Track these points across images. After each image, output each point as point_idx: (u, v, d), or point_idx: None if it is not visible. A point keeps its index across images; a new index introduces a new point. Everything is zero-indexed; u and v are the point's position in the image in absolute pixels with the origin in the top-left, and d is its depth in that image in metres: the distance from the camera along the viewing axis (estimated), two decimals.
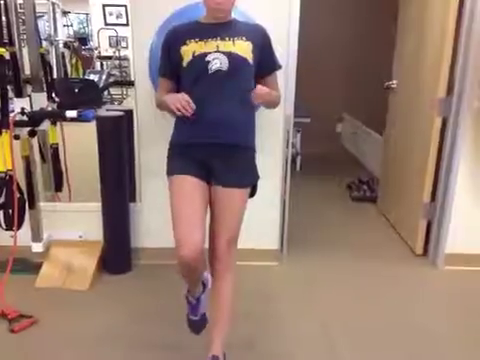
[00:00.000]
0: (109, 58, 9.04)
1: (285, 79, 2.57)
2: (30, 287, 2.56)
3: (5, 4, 2.37)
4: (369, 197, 4.00)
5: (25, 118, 2.29)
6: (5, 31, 2.36)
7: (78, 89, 6.78)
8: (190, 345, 2.07)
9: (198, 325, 1.95)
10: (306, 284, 2.70)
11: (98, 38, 9.21)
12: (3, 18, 2.35)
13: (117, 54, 9.08)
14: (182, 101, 1.66)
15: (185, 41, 1.75)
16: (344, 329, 2.27)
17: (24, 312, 2.27)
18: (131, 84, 3.41)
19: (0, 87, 2.32)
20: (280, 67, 1.93)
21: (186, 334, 2.04)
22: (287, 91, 2.61)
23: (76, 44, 8.68)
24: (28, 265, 2.71)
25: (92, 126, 3.23)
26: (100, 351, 2.08)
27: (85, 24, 11.62)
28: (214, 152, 1.77)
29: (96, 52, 9.17)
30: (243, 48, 1.75)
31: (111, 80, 8.76)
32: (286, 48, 2.57)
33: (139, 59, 2.52)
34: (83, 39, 9.96)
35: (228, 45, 1.73)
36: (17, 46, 2.43)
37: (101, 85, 7.88)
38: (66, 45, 7.82)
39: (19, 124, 2.30)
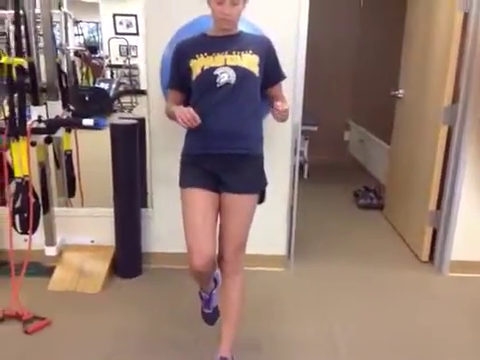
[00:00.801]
0: (119, 67, 9.18)
1: (293, 88, 2.63)
2: (43, 290, 2.63)
3: (24, 15, 2.47)
4: (376, 204, 4.03)
5: (42, 125, 2.36)
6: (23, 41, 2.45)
7: (89, 97, 6.89)
8: (201, 344, 2.15)
9: (212, 317, 2.06)
10: (313, 290, 2.74)
11: (109, 47, 9.36)
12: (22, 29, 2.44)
13: (127, 63, 9.23)
14: (188, 114, 1.72)
15: (194, 55, 1.81)
16: (350, 334, 2.31)
17: (37, 314, 2.33)
18: (143, 93, 3.49)
19: (19, 95, 2.40)
20: (285, 77, 2.00)
21: (197, 334, 2.17)
22: (295, 100, 2.67)
23: (87, 53, 8.83)
24: (41, 269, 2.78)
25: (101, 133, 3.30)
26: (113, 351, 2.14)
27: (95, 33, 11.80)
28: (224, 162, 1.83)
29: (106, 61, 9.33)
30: (250, 61, 1.81)
31: (121, 89, 8.90)
32: (294, 57, 2.63)
33: (152, 68, 2.58)
34: (93, 48, 10.12)
35: (235, 59, 1.79)
36: (35, 56, 2.51)
37: (111, 93, 8.03)
38: (77, 54, 7.96)
39: (37, 131, 2.37)
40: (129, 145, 2.64)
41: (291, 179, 2.85)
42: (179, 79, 1.89)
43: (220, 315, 2.03)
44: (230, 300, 1.94)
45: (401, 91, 3.55)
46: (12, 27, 2.61)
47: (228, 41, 1.83)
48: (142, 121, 2.85)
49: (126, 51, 9.79)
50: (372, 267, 3.02)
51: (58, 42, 5.79)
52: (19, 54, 2.41)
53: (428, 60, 3.10)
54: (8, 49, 2.46)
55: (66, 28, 6.52)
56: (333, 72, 5.46)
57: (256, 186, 1.91)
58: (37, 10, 2.62)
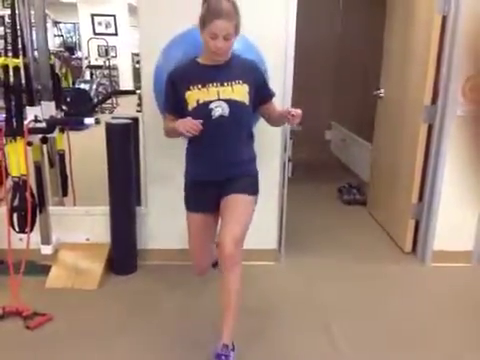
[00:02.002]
0: (99, 67, 9.16)
1: (283, 90, 2.75)
2: (41, 288, 2.66)
3: (19, 17, 2.50)
4: (359, 200, 4.18)
5: (43, 125, 2.40)
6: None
7: (70, 98, 6.87)
8: (199, 336, 2.23)
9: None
10: (304, 282, 2.85)
11: (88, 47, 9.32)
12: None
13: (106, 64, 9.21)
14: (188, 123, 1.87)
15: (188, 86, 1.94)
16: (344, 322, 2.42)
17: (37, 311, 2.37)
18: (132, 93, 3.55)
19: (15, 96, 2.44)
20: (274, 96, 2.15)
21: (194, 326, 2.26)
22: (284, 101, 2.76)
23: (66, 54, 8.79)
24: (37, 267, 2.80)
25: (90, 134, 3.34)
26: (114, 343, 2.21)
27: (72, 33, 11.69)
28: (224, 183, 2.03)
29: (86, 62, 9.28)
30: (241, 93, 1.96)
31: (101, 89, 8.85)
32: (283, 61, 2.74)
33: (146, 69, 2.64)
34: (71, 48, 10.05)
35: (228, 91, 1.94)
36: (31, 56, 2.55)
37: (92, 94, 7.98)
38: (56, 55, 7.91)
39: (36, 131, 2.41)
40: (124, 144, 2.70)
41: (281, 176, 2.96)
42: (174, 105, 2.02)
43: None
44: (229, 290, 2.01)
45: (382, 91, 3.70)
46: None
47: (220, 71, 1.96)
48: (135, 121, 2.92)
49: (105, 52, 9.76)
50: (358, 259, 3.15)
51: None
52: (15, 55, 2.44)
53: (408, 61, 3.25)
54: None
55: (46, 28, 6.48)
56: (315, 73, 5.58)
57: (253, 189, 2.09)
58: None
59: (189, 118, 1.88)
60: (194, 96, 1.93)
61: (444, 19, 2.83)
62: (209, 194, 2.08)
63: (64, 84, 8.20)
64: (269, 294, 2.69)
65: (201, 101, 1.92)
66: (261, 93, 2.06)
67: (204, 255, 2.26)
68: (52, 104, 2.70)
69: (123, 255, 2.87)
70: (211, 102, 1.92)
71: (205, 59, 1.97)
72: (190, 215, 2.16)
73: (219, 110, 1.92)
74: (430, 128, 3.01)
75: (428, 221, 3.06)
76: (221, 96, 1.93)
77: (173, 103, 2.02)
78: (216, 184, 2.04)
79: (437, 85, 2.92)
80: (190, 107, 1.94)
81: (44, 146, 2.73)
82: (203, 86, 1.93)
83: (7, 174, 2.53)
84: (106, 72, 9.46)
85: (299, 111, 1.92)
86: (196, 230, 2.18)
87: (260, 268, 2.93)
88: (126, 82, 9.25)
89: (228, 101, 1.93)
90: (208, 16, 1.84)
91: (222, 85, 1.94)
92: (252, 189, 2.09)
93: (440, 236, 3.03)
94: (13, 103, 2.46)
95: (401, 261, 3.14)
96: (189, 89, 1.94)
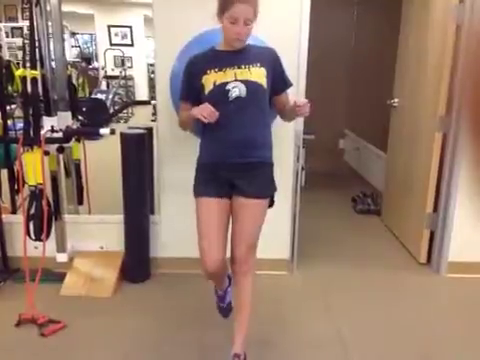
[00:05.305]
0: (115, 78, 9.29)
1: (296, 96, 2.75)
2: (55, 295, 2.69)
3: (37, 28, 2.56)
4: (373, 210, 4.15)
5: (60, 135, 2.44)
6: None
7: (86, 108, 6.98)
8: (211, 344, 2.23)
9: (226, 310, 2.23)
10: (317, 292, 2.84)
11: (104, 58, 9.47)
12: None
13: (123, 74, 9.34)
14: (206, 110, 1.83)
15: (205, 70, 1.92)
16: (357, 333, 2.41)
17: (52, 318, 2.39)
18: (147, 103, 3.59)
19: (33, 106, 2.49)
20: (291, 85, 2.11)
21: (206, 334, 2.25)
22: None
23: (83, 64, 8.93)
24: (52, 275, 2.84)
25: (105, 143, 3.39)
26: (128, 352, 2.22)
27: (89, 44, 11.90)
28: (237, 169, 1.95)
29: (102, 72, 9.43)
30: (258, 74, 1.93)
31: (117, 99, 8.97)
32: (296, 68, 2.75)
33: (161, 79, 2.67)
34: (87, 59, 10.22)
35: (245, 73, 1.91)
36: (48, 67, 2.61)
37: (108, 103, 8.11)
38: (73, 65, 8.06)
39: (52, 141, 2.46)
40: (139, 154, 2.73)
41: (293, 185, 2.96)
42: (191, 92, 2.00)
43: (233, 308, 2.18)
44: (241, 300, 2.03)
45: (396, 100, 3.69)
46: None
47: (237, 55, 1.94)
48: (150, 131, 2.95)
49: (121, 62, 9.91)
50: (372, 269, 3.12)
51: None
52: (34, 67, 2.50)
53: (422, 70, 3.24)
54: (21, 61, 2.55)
55: (63, 40, 6.64)
56: (329, 82, 5.58)
57: (267, 191, 2.04)
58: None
59: (206, 104, 1.85)
60: (211, 79, 1.90)
61: (458, 29, 2.82)
62: (222, 179, 1.95)
63: (81, 94, 8.34)
64: (282, 304, 2.68)
65: (218, 82, 1.89)
66: (278, 81, 2.02)
67: (216, 247, 1.93)
68: (68, 114, 2.75)
69: (136, 263, 2.89)
70: (228, 83, 1.89)
71: (222, 46, 1.96)
72: (201, 201, 1.98)
73: (236, 91, 1.88)
74: (445, 137, 2.99)
75: (443, 232, 3.03)
76: (238, 77, 1.90)
77: (189, 90, 2.00)
78: (230, 169, 1.95)
79: (452, 94, 2.90)
80: (207, 90, 1.91)
81: (60, 155, 2.78)
82: (220, 70, 1.90)
83: (24, 183, 2.58)
84: (122, 82, 9.60)
85: (304, 100, 1.88)
86: (209, 216, 1.96)
87: (272, 278, 2.92)
88: (142, 92, 9.37)
89: (245, 82, 1.89)
90: (229, 0, 1.81)
91: (239, 68, 1.91)
92: (267, 190, 2.03)
93: (455, 247, 2.99)
94: (31, 113, 2.51)
95: (416, 272, 3.10)
96: (206, 73, 1.91)
